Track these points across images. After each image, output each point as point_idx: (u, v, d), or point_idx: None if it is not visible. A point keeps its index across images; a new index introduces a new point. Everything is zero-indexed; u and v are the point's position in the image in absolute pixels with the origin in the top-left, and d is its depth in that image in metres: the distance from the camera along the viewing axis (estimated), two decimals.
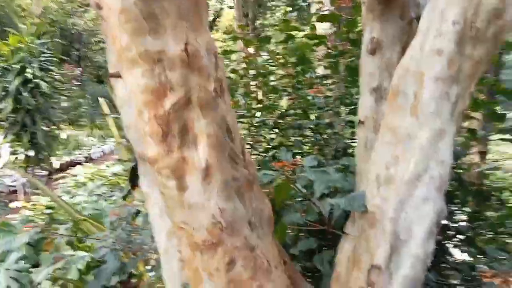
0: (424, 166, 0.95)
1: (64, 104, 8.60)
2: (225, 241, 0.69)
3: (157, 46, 0.61)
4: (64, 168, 9.79)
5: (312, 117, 1.87)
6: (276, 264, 0.77)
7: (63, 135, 9.66)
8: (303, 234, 1.25)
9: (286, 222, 1.12)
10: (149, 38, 0.61)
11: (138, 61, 0.62)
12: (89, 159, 11.29)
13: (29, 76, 5.58)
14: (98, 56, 19.43)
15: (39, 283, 3.14)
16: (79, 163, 10.18)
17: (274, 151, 1.73)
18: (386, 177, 0.99)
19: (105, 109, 3.89)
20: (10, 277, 3.19)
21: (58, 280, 3.16)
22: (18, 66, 5.73)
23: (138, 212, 1.88)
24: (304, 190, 1.14)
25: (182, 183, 0.68)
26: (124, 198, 2.09)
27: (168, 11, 0.61)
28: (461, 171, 1.74)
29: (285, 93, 1.95)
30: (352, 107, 1.81)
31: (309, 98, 1.83)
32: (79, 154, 11.76)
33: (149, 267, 3.06)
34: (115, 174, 7.20)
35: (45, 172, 9.26)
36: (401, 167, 0.97)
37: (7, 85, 5.62)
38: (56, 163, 9.30)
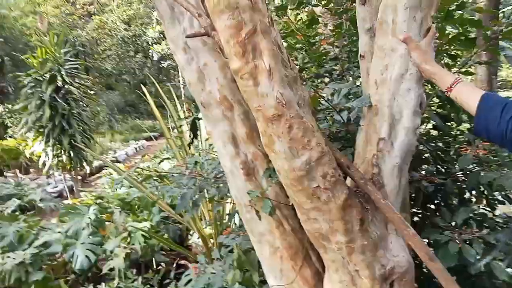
0: (405, 68, 1.41)
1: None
2: (285, 114, 1.17)
3: None
4: (95, 172, 10.48)
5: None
6: (316, 128, 1.25)
7: (99, 140, 10.31)
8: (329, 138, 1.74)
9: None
10: None
11: (225, 10, 1.10)
12: (115, 161, 11.98)
13: (60, 83, 6.16)
14: (106, 64, 20.13)
15: (111, 251, 3.71)
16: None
17: None
18: (381, 80, 1.45)
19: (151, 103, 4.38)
20: (87, 249, 3.76)
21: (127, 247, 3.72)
22: (47, 76, 6.32)
23: (196, 162, 2.36)
24: (329, 104, 1.62)
25: (256, 81, 1.16)
26: (189, 145, 2.57)
27: None
28: None
29: (301, 51, 2.41)
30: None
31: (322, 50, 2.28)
32: (106, 157, 12.49)
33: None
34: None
35: (79, 177, 9.94)
36: (390, 71, 1.43)
37: (41, 94, 6.20)
38: (87, 168, 9.87)
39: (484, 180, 1.66)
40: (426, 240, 1.88)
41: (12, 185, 7.43)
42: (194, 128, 2.12)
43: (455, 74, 1.30)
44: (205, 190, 2.19)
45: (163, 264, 4.16)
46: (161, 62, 18.75)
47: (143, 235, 3.75)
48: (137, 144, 14.65)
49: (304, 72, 2.39)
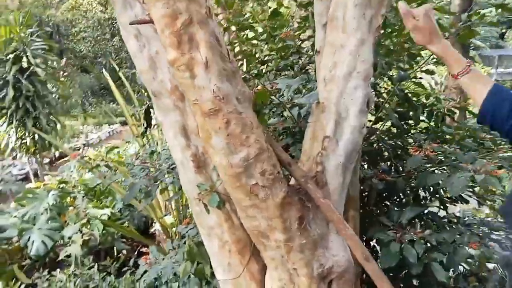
0: (353, 66, 1.39)
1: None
2: (223, 108, 1.13)
3: None
4: (64, 156, 10.22)
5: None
6: (256, 125, 1.22)
7: (66, 123, 10.05)
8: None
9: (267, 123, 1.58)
10: None
11: None
12: (87, 145, 11.73)
13: (25, 64, 5.93)
14: (81, 46, 19.54)
15: (69, 238, 3.62)
16: (78, 149, 10.63)
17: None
18: (329, 77, 1.43)
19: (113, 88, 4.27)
20: (43, 235, 3.66)
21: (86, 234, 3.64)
22: (11, 56, 6.06)
23: (152, 152, 2.31)
24: (278, 100, 1.59)
25: (192, 73, 1.11)
26: (142, 135, 2.51)
27: None
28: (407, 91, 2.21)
29: (264, 43, 2.37)
30: None
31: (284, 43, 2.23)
32: (77, 141, 12.21)
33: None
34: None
35: (47, 160, 9.69)
36: (339, 68, 1.41)
37: (5, 75, 5.96)
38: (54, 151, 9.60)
39: (430, 181, 1.67)
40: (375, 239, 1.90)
41: None
42: (147, 117, 2.06)
43: (464, 59, 1.17)
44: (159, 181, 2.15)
45: (124, 251, 4.09)
46: None
47: (102, 222, 3.68)
48: (111, 128, 14.35)
49: (265, 64, 2.35)
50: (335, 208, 1.34)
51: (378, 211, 1.95)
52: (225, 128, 1.16)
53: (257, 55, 2.39)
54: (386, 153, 2.03)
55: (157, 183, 2.15)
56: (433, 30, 1.17)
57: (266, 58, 2.38)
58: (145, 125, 2.08)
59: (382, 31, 1.85)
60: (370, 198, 2.00)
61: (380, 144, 2.10)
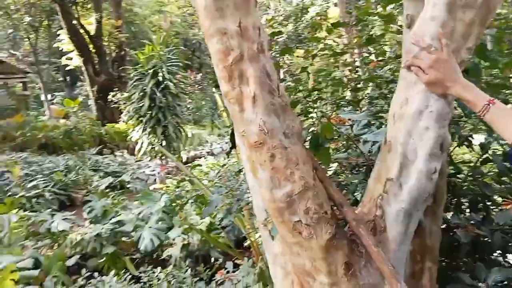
0: (425, 104, 1.26)
1: (189, 106, 9.84)
2: (268, 142, 1.14)
3: (223, 25, 1.10)
4: (190, 161, 11.25)
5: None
6: (304, 161, 1.19)
7: (189, 133, 11.12)
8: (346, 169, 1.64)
9: (334, 158, 1.53)
10: (219, 21, 1.10)
11: (214, 34, 1.11)
12: (211, 154, 12.69)
13: (160, 78, 6.75)
14: None
15: (173, 239, 3.98)
16: (203, 157, 11.58)
17: None
18: (399, 114, 1.32)
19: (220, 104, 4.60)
20: (152, 234, 4.09)
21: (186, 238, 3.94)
22: (151, 71, 6.96)
23: (240, 170, 2.41)
24: (345, 133, 1.53)
25: (242, 107, 1.15)
26: (227, 154, 2.65)
27: (229, 5, 1.09)
28: None
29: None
30: None
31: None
32: (202, 149, 13.31)
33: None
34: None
35: (174, 164, 10.76)
36: (409, 105, 1.29)
37: (144, 87, 6.87)
38: (183, 156, 10.56)
39: None
40: None
41: (117, 164, 8.39)
42: (232, 137, 2.16)
43: (483, 95, 1.11)
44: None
45: (220, 260, 4.29)
46: None
47: (197, 231, 3.94)
48: None
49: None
50: (389, 258, 1.22)
51: (464, 267, 1.70)
52: (269, 161, 1.16)
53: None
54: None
55: (238, 201, 2.23)
56: (445, 78, 1.13)
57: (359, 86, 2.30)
58: (230, 145, 2.18)
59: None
60: (457, 251, 1.76)
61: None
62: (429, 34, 1.24)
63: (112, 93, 9.76)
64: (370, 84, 2.10)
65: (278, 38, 2.66)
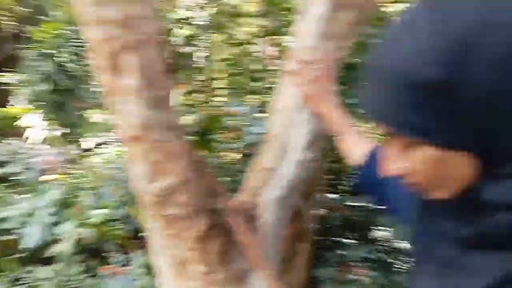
0: None
1: (96, 90, 9.26)
2: (146, 135, 1.15)
3: (106, 12, 1.06)
4: (94, 149, 10.64)
5: None
6: (184, 154, 1.22)
7: (95, 118, 10.49)
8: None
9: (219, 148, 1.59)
10: (101, 8, 1.07)
11: (94, 23, 1.10)
12: (120, 141, 12.13)
13: (63, 60, 6.25)
14: None
15: (64, 234, 3.74)
16: (110, 144, 11.03)
17: None
18: (280, 106, 1.37)
19: None
20: (40, 228, 3.79)
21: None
22: (53, 51, 6.41)
23: None
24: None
25: (121, 98, 1.15)
26: None
27: None
28: None
29: None
30: None
31: None
32: (109, 136, 12.68)
33: None
34: None
35: (77, 151, 10.10)
36: (290, 99, 1.37)
37: (44, 69, 6.31)
38: (87, 144, 9.92)
39: None
40: None
41: (5, 152, 7.58)
42: None
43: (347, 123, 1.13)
44: None
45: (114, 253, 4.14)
46: None
47: (89, 224, 3.76)
48: None
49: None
50: (263, 243, 1.32)
51: (336, 246, 1.88)
52: (147, 155, 1.17)
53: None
54: None
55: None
56: (318, 96, 1.19)
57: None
58: None
59: None
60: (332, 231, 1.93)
61: None
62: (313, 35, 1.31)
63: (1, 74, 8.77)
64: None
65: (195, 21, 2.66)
